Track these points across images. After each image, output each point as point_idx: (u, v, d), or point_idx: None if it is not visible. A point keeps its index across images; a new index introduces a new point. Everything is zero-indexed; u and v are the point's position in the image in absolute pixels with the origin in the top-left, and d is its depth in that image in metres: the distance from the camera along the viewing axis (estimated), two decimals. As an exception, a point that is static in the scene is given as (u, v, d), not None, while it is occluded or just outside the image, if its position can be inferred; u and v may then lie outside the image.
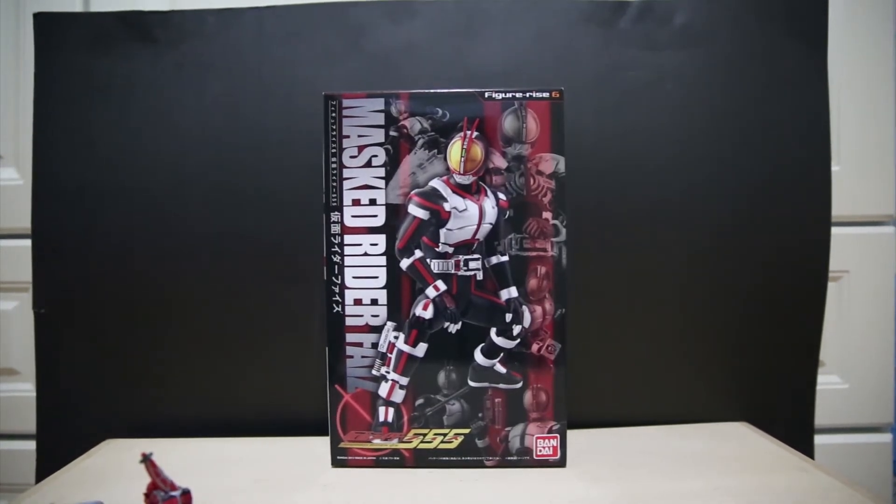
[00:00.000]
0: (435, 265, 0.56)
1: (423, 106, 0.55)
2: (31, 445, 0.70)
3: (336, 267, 0.56)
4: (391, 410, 0.56)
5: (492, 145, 0.55)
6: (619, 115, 0.69)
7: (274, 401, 0.69)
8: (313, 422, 0.62)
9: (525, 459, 0.56)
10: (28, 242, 0.70)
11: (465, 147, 0.55)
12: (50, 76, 0.69)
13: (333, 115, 0.55)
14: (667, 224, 0.70)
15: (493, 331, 0.56)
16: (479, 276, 0.56)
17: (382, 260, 0.56)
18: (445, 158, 0.55)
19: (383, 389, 0.56)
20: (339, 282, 0.56)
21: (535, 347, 0.56)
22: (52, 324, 0.70)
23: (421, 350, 0.56)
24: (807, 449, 0.71)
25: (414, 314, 0.56)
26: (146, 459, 0.42)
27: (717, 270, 0.70)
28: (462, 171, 0.55)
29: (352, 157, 0.56)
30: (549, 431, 0.56)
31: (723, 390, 0.71)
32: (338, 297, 0.56)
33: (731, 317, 0.71)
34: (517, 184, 0.56)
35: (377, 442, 0.57)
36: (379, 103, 0.55)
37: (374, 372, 0.56)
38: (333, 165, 0.56)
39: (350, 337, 0.56)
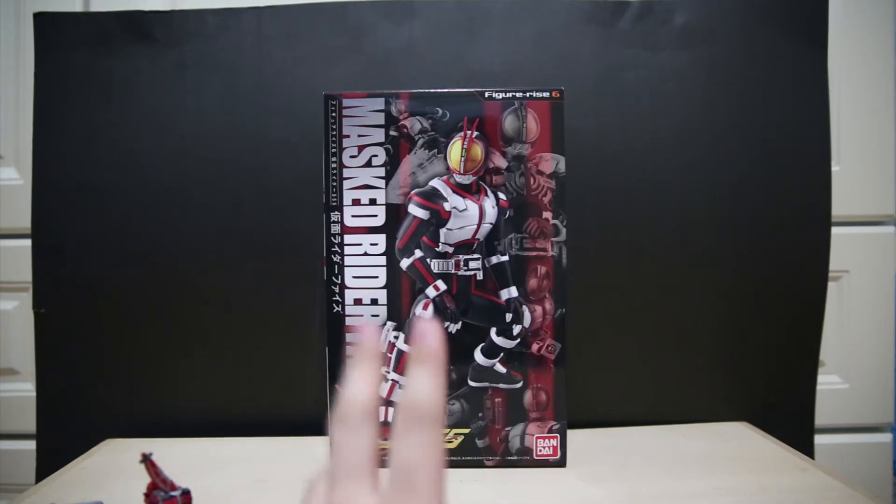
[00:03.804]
0: (435, 265, 0.56)
1: (424, 106, 0.55)
2: (31, 445, 0.70)
3: (336, 267, 0.56)
4: (391, 410, 0.56)
5: (492, 145, 0.55)
6: (619, 115, 0.69)
7: (274, 401, 0.69)
8: (313, 422, 0.62)
9: (525, 459, 0.56)
10: (28, 242, 0.70)
11: (465, 147, 0.55)
12: (50, 76, 0.69)
13: (333, 114, 0.55)
14: (667, 224, 0.70)
15: (493, 331, 0.56)
16: (479, 275, 0.56)
17: (382, 260, 0.56)
18: (445, 158, 0.55)
19: (383, 389, 0.56)
20: (339, 282, 0.56)
21: (535, 347, 0.56)
22: (52, 324, 0.70)
23: (421, 350, 0.56)
24: (807, 449, 0.71)
25: (414, 314, 0.56)
26: (146, 459, 0.42)
27: (717, 270, 0.70)
28: (462, 171, 0.55)
29: (352, 156, 0.56)
30: (549, 431, 0.56)
31: (723, 390, 0.71)
32: (338, 297, 0.56)
33: (732, 317, 0.71)
34: (517, 183, 0.56)
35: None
36: (379, 103, 0.55)
37: (374, 372, 0.56)
38: (333, 165, 0.56)
39: (350, 337, 0.56)
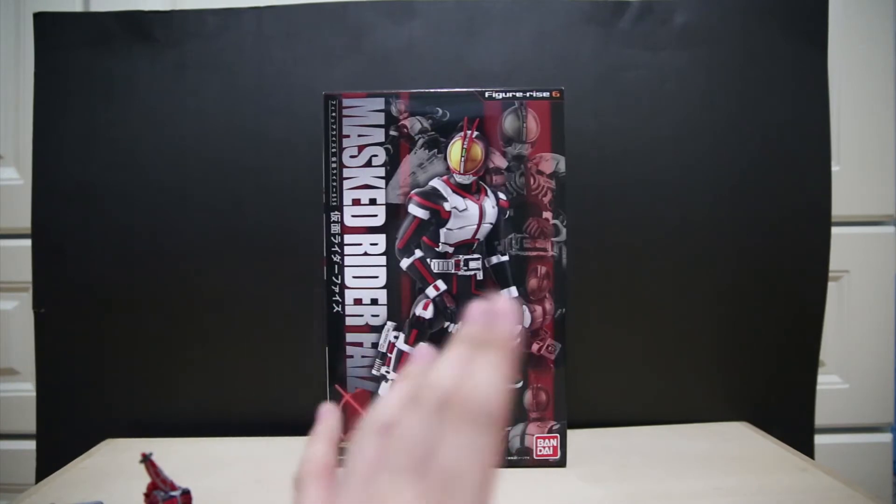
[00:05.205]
0: (435, 265, 0.56)
1: (424, 105, 0.55)
2: (31, 445, 0.70)
3: (336, 267, 0.56)
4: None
5: (492, 145, 0.55)
6: (619, 115, 0.69)
7: (274, 401, 0.69)
8: (313, 422, 0.62)
9: (525, 459, 0.56)
10: (28, 242, 0.70)
11: (465, 147, 0.55)
12: (50, 76, 0.69)
13: (333, 114, 0.55)
14: (667, 223, 0.70)
15: (493, 331, 0.56)
16: (480, 275, 0.56)
17: (382, 260, 0.56)
18: (445, 158, 0.55)
19: (383, 389, 0.56)
20: (339, 282, 0.56)
21: (535, 347, 0.56)
22: (52, 324, 0.70)
23: (421, 350, 0.56)
24: (807, 449, 0.71)
25: (414, 314, 0.56)
26: (146, 459, 0.42)
27: (716, 270, 0.70)
28: (462, 171, 0.55)
29: (352, 156, 0.56)
30: (549, 431, 0.56)
31: (723, 390, 0.71)
32: (338, 297, 0.56)
33: (732, 317, 0.71)
34: (517, 183, 0.56)
35: (377, 442, 0.56)
36: (379, 103, 0.55)
37: (374, 372, 0.56)
38: (333, 165, 0.56)
39: (350, 337, 0.56)
